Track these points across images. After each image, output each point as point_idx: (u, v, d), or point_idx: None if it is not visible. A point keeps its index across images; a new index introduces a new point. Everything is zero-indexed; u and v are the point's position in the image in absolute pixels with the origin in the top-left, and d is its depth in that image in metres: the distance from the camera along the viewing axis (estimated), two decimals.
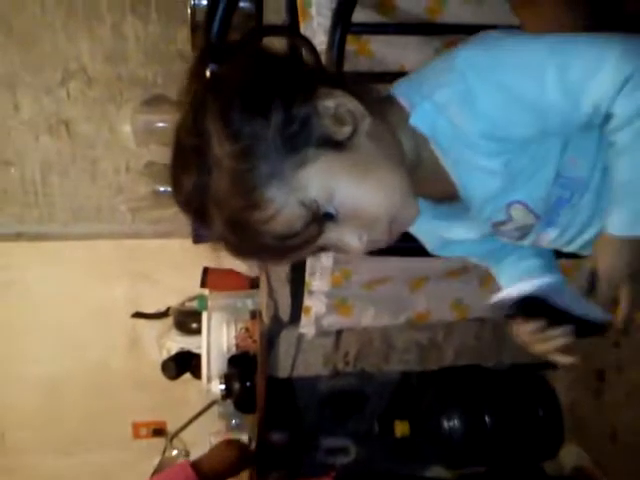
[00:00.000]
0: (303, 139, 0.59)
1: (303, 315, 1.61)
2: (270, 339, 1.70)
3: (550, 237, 0.71)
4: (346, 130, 0.61)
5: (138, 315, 2.24)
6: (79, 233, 2.26)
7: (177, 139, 0.63)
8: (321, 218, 0.60)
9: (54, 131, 2.17)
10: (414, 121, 0.64)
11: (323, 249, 0.64)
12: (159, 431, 2.42)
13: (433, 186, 0.68)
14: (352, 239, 0.62)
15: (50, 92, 2.13)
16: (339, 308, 1.62)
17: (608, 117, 0.60)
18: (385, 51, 1.26)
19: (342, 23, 0.94)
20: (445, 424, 1.79)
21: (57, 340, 2.34)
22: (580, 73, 0.59)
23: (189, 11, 1.62)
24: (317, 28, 1.28)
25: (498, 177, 0.64)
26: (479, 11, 1.21)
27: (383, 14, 1.24)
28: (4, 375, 2.34)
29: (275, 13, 1.44)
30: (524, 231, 0.70)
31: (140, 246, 2.22)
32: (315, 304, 1.59)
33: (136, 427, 2.46)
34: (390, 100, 0.66)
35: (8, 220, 2.24)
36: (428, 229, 0.75)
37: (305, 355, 1.74)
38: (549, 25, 0.75)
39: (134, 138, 2.05)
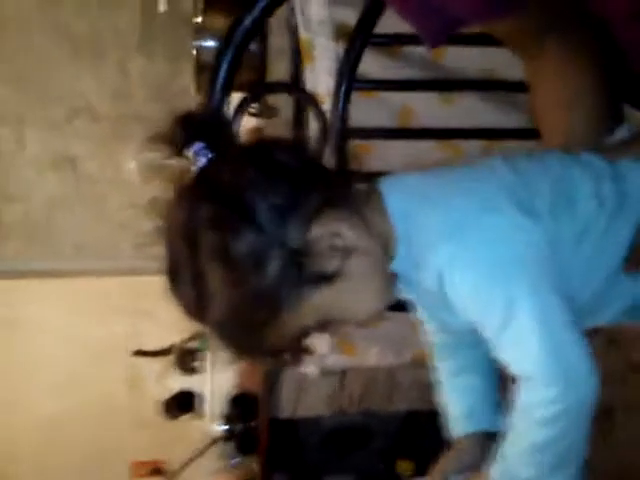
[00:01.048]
0: (297, 281, 0.60)
1: (306, 355, 1.59)
2: (272, 379, 1.68)
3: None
4: (337, 262, 0.61)
5: (139, 353, 2.22)
6: (82, 269, 2.26)
7: (169, 244, 0.63)
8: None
9: (59, 167, 2.18)
10: (395, 268, 0.65)
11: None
12: (158, 470, 2.37)
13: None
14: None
15: (56, 129, 2.15)
16: (343, 347, 1.61)
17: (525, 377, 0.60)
18: (390, 93, 1.26)
19: (347, 79, 0.94)
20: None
21: (58, 377, 2.32)
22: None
23: (194, 52, 1.64)
24: (320, 69, 1.29)
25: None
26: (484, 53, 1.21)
27: (387, 58, 1.25)
28: (4, 413, 2.31)
29: (279, 54, 1.46)
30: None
31: (143, 283, 2.21)
32: (318, 343, 1.58)
33: (135, 466, 2.42)
34: (379, 206, 0.64)
35: (12, 256, 2.24)
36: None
37: (308, 395, 1.71)
38: (554, 81, 0.74)
39: (138, 174, 2.05)
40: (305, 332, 0.63)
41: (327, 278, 0.61)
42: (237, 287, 0.59)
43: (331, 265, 0.60)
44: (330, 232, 0.60)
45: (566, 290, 0.61)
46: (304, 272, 0.60)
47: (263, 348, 0.63)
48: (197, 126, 0.62)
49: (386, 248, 0.64)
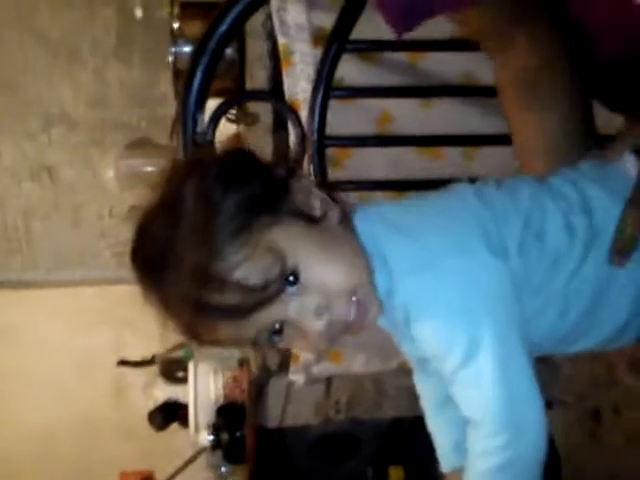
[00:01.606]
0: (278, 205, 0.60)
1: (292, 363, 1.58)
2: (259, 388, 1.67)
3: None
4: (317, 212, 0.62)
5: (123, 363, 2.19)
6: (62, 280, 2.23)
7: (150, 202, 0.63)
8: (283, 278, 0.59)
9: (36, 177, 2.14)
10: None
11: (279, 332, 0.62)
12: None
13: None
14: (311, 313, 0.60)
15: (32, 138, 2.11)
16: (329, 355, 1.59)
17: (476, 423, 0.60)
18: (369, 99, 1.25)
19: (324, 87, 0.92)
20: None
21: (40, 389, 2.29)
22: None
23: (171, 58, 1.61)
24: (300, 75, 1.27)
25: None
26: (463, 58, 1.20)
27: (365, 63, 1.24)
28: None
29: (258, 59, 1.44)
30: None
31: (124, 292, 2.18)
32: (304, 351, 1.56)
33: (123, 476, 2.40)
34: (351, 227, 0.65)
35: None
36: None
37: (295, 404, 1.70)
38: (525, 82, 0.73)
39: (117, 182, 2.03)
40: (272, 277, 0.58)
41: (305, 216, 0.61)
42: (214, 213, 0.58)
43: (312, 206, 0.62)
44: (313, 189, 0.63)
45: (535, 328, 0.62)
46: (285, 203, 0.60)
47: (228, 294, 0.58)
48: None
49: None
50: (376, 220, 0.65)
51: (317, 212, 0.62)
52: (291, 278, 0.59)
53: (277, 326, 0.61)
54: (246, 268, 0.58)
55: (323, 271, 0.60)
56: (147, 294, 0.62)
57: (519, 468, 0.59)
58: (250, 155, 0.63)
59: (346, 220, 0.64)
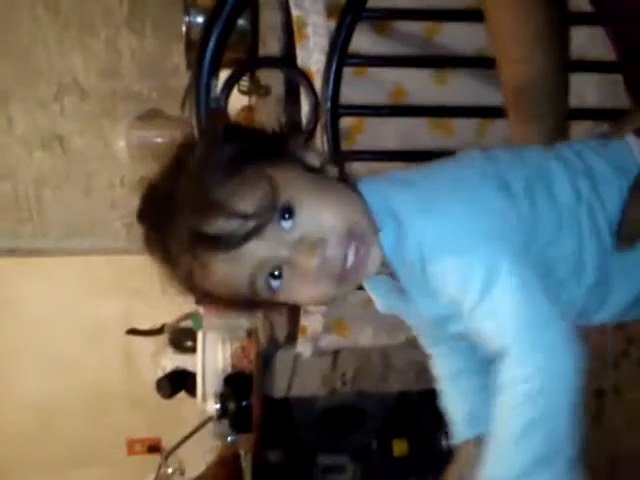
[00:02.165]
0: (276, 151, 0.62)
1: (299, 335, 1.59)
2: (266, 359, 1.68)
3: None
4: (316, 161, 0.64)
5: (132, 332, 2.21)
6: (73, 248, 2.24)
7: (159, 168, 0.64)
8: (277, 211, 0.59)
9: (48, 146, 2.15)
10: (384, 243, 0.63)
11: (278, 277, 0.61)
12: (154, 448, 2.39)
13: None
14: (305, 250, 0.59)
15: (44, 107, 2.12)
16: (336, 328, 1.60)
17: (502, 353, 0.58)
18: (382, 71, 1.24)
19: (338, 55, 0.92)
20: (444, 443, 1.77)
21: (50, 357, 2.32)
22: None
23: (184, 28, 1.61)
24: (313, 47, 1.26)
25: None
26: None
27: (380, 36, 1.23)
28: None
29: (271, 31, 1.43)
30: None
31: (134, 262, 2.19)
32: (311, 323, 1.57)
33: (131, 444, 2.44)
34: (353, 187, 0.65)
35: (1, 235, 2.22)
36: (377, 290, 0.72)
37: (302, 375, 1.72)
38: (515, 11, 0.73)
39: (128, 153, 2.03)
40: (267, 204, 0.58)
41: (303, 163, 0.62)
42: (214, 151, 0.60)
43: (309, 156, 0.64)
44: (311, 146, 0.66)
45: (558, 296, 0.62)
46: (283, 151, 0.62)
47: (223, 218, 0.58)
48: None
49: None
50: (381, 180, 0.65)
51: (316, 162, 0.64)
52: (285, 214, 0.59)
53: (275, 271, 0.60)
54: (241, 195, 0.58)
55: (318, 209, 0.60)
56: (151, 248, 0.63)
57: (552, 394, 0.56)
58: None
59: (347, 180, 0.65)
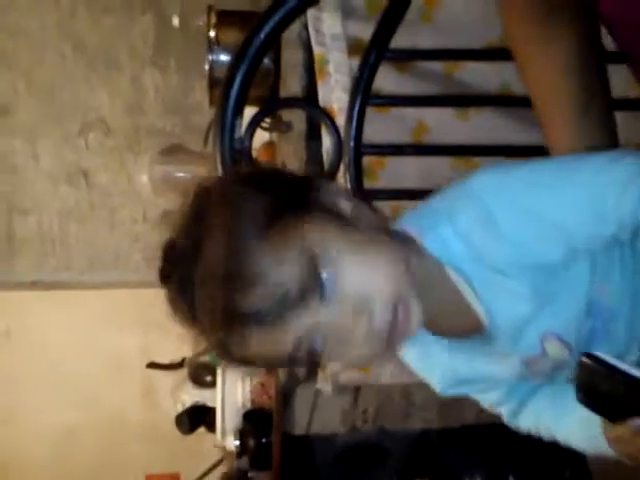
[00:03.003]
0: (306, 202, 0.58)
1: (320, 371, 1.57)
2: (286, 395, 1.67)
3: None
4: (348, 208, 0.60)
5: (153, 365, 2.21)
6: (95, 282, 2.26)
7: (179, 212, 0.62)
8: (318, 279, 0.55)
9: (73, 180, 2.18)
10: (429, 245, 0.60)
11: (316, 332, 0.57)
12: None
13: (450, 321, 0.64)
14: (349, 318, 0.56)
15: (69, 142, 2.15)
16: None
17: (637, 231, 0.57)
18: (403, 108, 1.25)
19: (361, 95, 0.93)
20: None
21: (70, 390, 2.32)
22: (604, 191, 0.57)
23: (207, 66, 1.63)
24: (335, 85, 1.28)
25: (527, 301, 0.59)
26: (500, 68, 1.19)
27: (401, 73, 1.24)
28: (17, 425, 2.32)
29: (292, 69, 1.45)
30: (558, 367, 0.65)
31: (155, 295, 2.20)
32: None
33: (149, 479, 2.42)
34: (395, 232, 0.63)
35: (25, 268, 2.24)
36: (439, 364, 0.68)
37: (322, 412, 1.70)
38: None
39: (151, 187, 2.06)
40: (305, 279, 0.54)
41: (336, 214, 0.58)
42: (240, 208, 0.57)
43: (342, 207, 0.59)
44: (341, 193, 0.61)
45: None
46: (314, 201, 0.58)
47: (258, 297, 0.54)
48: None
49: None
50: (427, 212, 0.63)
51: (348, 209, 0.60)
52: (328, 280, 0.55)
53: (319, 336, 0.57)
54: (278, 263, 0.54)
55: (361, 271, 0.56)
56: (176, 311, 0.60)
57: None
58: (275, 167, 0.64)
59: (380, 225, 0.61)
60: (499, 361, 0.65)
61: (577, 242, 0.59)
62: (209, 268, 0.56)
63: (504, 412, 0.72)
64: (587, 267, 0.61)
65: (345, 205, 0.60)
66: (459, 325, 0.64)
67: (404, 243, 0.62)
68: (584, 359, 0.56)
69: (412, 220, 0.64)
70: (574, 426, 0.68)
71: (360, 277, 0.56)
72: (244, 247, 0.55)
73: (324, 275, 0.55)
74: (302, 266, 0.55)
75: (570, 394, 0.65)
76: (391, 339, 0.58)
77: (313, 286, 0.55)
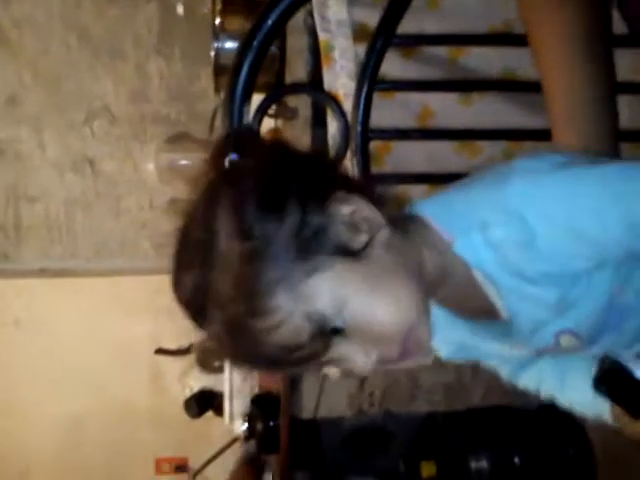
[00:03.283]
0: (316, 245, 0.56)
1: None
2: (293, 379, 1.68)
3: (592, 352, 0.67)
4: (361, 239, 0.58)
5: (161, 351, 2.23)
6: (102, 269, 2.28)
7: (184, 230, 0.60)
8: (328, 333, 0.56)
9: (78, 169, 2.20)
10: (459, 251, 0.61)
11: (325, 364, 0.59)
12: (181, 467, 2.41)
13: (466, 303, 0.64)
14: (359, 356, 0.57)
15: (75, 131, 2.16)
16: None
17: None
18: (408, 93, 1.25)
19: (369, 81, 0.93)
20: (473, 465, 1.75)
21: (79, 376, 2.35)
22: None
23: (212, 53, 1.64)
24: (340, 71, 1.28)
25: (550, 308, 0.61)
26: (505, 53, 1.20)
27: (406, 58, 1.24)
28: (27, 413, 2.34)
29: (298, 55, 1.46)
30: (567, 352, 0.67)
31: (163, 282, 2.22)
32: None
33: (158, 463, 2.45)
34: (413, 219, 0.63)
35: (32, 256, 2.26)
36: (449, 337, 0.68)
37: (329, 396, 1.71)
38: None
39: (157, 175, 2.07)
40: (315, 336, 0.55)
41: (347, 251, 0.57)
42: (249, 261, 0.55)
43: (354, 240, 0.57)
44: (355, 210, 0.58)
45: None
46: (324, 240, 0.56)
47: (267, 349, 0.55)
48: (234, 142, 0.62)
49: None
50: (454, 207, 0.63)
51: (362, 239, 0.58)
52: (336, 329, 0.56)
53: (329, 364, 0.59)
54: (284, 330, 0.55)
55: (371, 314, 0.57)
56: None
57: None
58: (289, 173, 0.58)
59: (397, 227, 0.61)
60: (509, 345, 0.67)
61: (611, 257, 0.60)
62: (216, 309, 0.57)
63: (503, 372, 0.74)
64: (611, 273, 0.62)
65: (357, 242, 0.58)
66: (474, 309, 0.65)
67: (418, 234, 0.62)
68: (607, 362, 0.59)
69: (434, 211, 0.63)
70: (582, 396, 0.70)
71: (370, 318, 0.57)
72: (250, 300, 0.55)
73: (331, 331, 0.56)
74: (308, 328, 0.55)
75: (576, 363, 0.69)
76: (401, 361, 0.59)
77: (318, 345, 0.56)
